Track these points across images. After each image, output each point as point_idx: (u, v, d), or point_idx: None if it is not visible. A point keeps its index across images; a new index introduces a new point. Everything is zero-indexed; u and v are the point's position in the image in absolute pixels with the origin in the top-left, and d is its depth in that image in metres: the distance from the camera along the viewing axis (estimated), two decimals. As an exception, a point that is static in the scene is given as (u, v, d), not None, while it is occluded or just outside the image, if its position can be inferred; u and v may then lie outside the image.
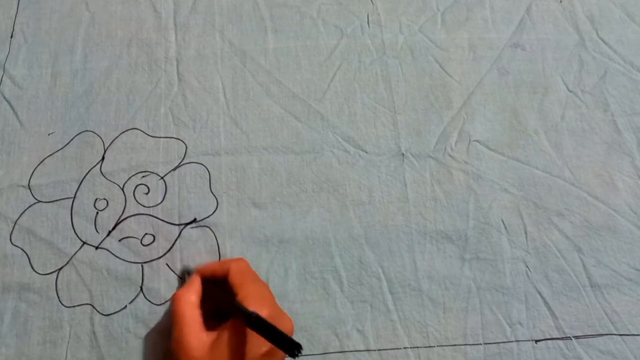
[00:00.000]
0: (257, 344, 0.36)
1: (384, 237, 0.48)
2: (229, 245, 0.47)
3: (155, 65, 0.54)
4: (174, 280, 0.46)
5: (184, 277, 0.45)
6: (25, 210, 0.48)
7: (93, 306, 0.45)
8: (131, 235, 0.47)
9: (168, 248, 0.47)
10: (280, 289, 0.46)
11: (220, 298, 0.40)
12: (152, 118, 0.52)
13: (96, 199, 0.48)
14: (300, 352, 0.33)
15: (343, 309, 0.45)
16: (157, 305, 0.45)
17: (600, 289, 0.46)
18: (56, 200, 0.48)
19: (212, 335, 0.37)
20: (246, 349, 0.36)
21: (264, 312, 0.36)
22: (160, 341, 0.44)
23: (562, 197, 0.49)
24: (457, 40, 0.56)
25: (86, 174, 0.49)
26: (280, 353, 0.37)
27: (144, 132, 0.51)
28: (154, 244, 0.47)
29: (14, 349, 0.44)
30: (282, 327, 0.37)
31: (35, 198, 0.48)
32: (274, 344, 0.34)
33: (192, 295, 0.39)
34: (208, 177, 0.49)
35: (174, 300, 0.39)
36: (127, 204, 0.48)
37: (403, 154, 0.51)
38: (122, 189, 0.49)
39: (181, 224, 0.48)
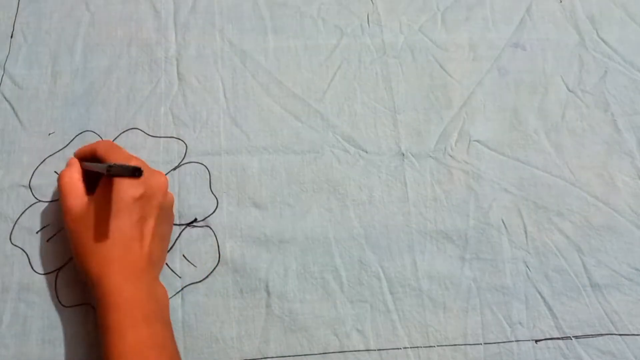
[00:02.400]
0: (126, 189, 0.41)
1: (384, 237, 0.48)
2: (228, 245, 0.47)
3: (155, 65, 0.54)
4: (173, 280, 0.46)
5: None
6: (26, 210, 0.48)
7: (92, 306, 0.45)
8: (131, 235, 0.47)
9: (168, 248, 0.47)
10: (280, 289, 0.46)
11: (92, 166, 0.44)
12: (152, 118, 0.52)
13: (96, 199, 0.48)
14: (139, 173, 0.36)
15: (343, 309, 0.45)
16: (157, 305, 0.45)
17: (601, 289, 0.46)
18: (56, 200, 0.48)
19: (90, 197, 0.42)
20: (115, 196, 0.40)
21: (132, 164, 0.40)
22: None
23: (562, 197, 0.49)
24: (457, 40, 0.56)
25: (86, 174, 0.49)
26: (155, 197, 0.42)
27: (144, 132, 0.51)
28: (154, 243, 0.47)
29: (13, 349, 0.43)
30: (153, 179, 0.42)
31: (35, 198, 0.48)
32: (120, 177, 0.38)
33: (74, 173, 0.44)
34: (208, 177, 0.49)
35: (59, 177, 0.44)
36: (127, 203, 0.48)
37: (403, 154, 0.51)
38: (122, 189, 0.49)
39: (181, 224, 0.48)
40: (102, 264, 0.40)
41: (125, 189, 0.41)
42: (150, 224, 0.42)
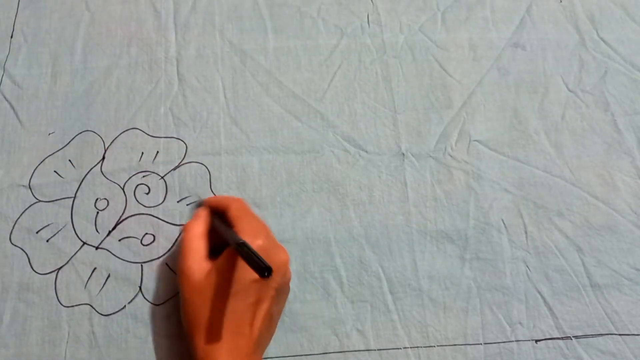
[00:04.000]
0: (248, 270, 0.38)
1: (384, 237, 0.48)
2: (228, 245, 0.47)
3: (155, 65, 0.54)
4: (173, 280, 0.46)
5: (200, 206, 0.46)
6: (26, 210, 0.48)
7: (92, 306, 0.45)
8: (131, 235, 0.47)
9: (168, 248, 0.47)
10: (280, 288, 0.46)
11: (222, 231, 0.42)
12: (152, 118, 0.52)
13: (97, 199, 0.48)
14: (269, 274, 0.34)
15: (343, 309, 0.45)
16: (156, 305, 0.45)
17: (601, 288, 0.46)
18: (56, 200, 0.48)
19: (212, 263, 0.40)
20: (236, 275, 0.38)
21: (257, 242, 0.39)
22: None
23: (563, 197, 0.49)
24: (457, 40, 0.56)
25: (86, 174, 0.49)
26: (274, 279, 0.40)
27: (144, 132, 0.51)
28: (154, 244, 0.47)
29: (12, 349, 0.44)
30: (276, 258, 0.40)
31: (35, 198, 0.48)
32: (249, 266, 0.35)
33: (200, 227, 0.42)
34: (208, 177, 0.49)
35: (183, 230, 0.43)
36: (127, 203, 0.48)
37: (403, 154, 0.51)
38: (123, 189, 0.49)
39: (181, 224, 0.48)
40: (211, 342, 0.38)
41: (247, 268, 0.38)
42: (264, 306, 0.39)
